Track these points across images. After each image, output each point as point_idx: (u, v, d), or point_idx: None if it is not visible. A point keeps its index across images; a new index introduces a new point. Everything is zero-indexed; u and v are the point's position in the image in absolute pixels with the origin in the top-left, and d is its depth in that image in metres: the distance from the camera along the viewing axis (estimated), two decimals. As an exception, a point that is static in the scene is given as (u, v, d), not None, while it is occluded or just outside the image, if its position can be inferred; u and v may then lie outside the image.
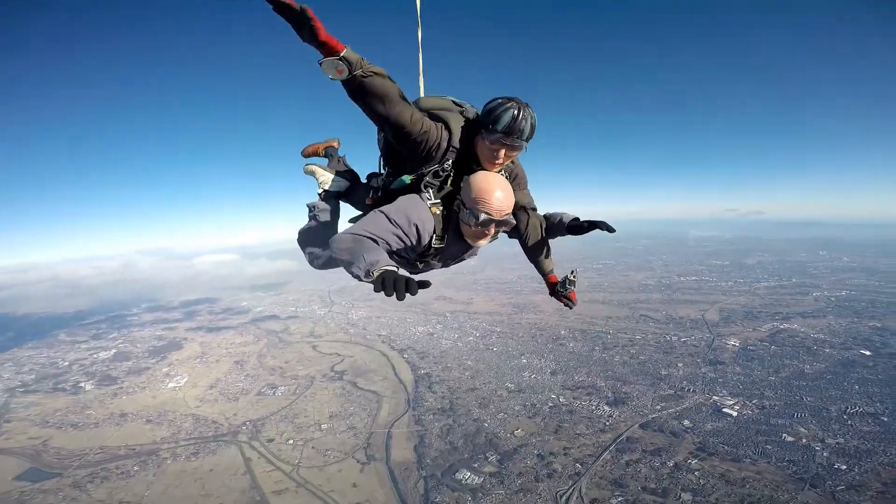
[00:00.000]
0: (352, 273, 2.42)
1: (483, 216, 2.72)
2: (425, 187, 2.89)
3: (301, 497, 33.54)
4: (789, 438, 35.61)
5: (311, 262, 3.92)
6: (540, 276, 3.61)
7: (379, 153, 3.38)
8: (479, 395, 47.14)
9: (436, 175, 2.88)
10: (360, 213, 3.76)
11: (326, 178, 4.03)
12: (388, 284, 2.06)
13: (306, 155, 4.32)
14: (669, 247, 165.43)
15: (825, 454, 33.25)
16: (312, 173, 4.13)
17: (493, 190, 2.74)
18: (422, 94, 3.30)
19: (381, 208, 2.79)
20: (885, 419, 37.22)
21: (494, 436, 39.20)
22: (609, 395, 45.64)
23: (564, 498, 31.13)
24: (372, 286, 2.19)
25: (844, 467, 31.56)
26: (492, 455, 36.49)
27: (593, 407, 43.41)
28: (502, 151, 2.79)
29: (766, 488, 29.99)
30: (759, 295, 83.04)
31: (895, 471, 30.60)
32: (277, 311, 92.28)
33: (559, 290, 3.46)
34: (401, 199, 2.87)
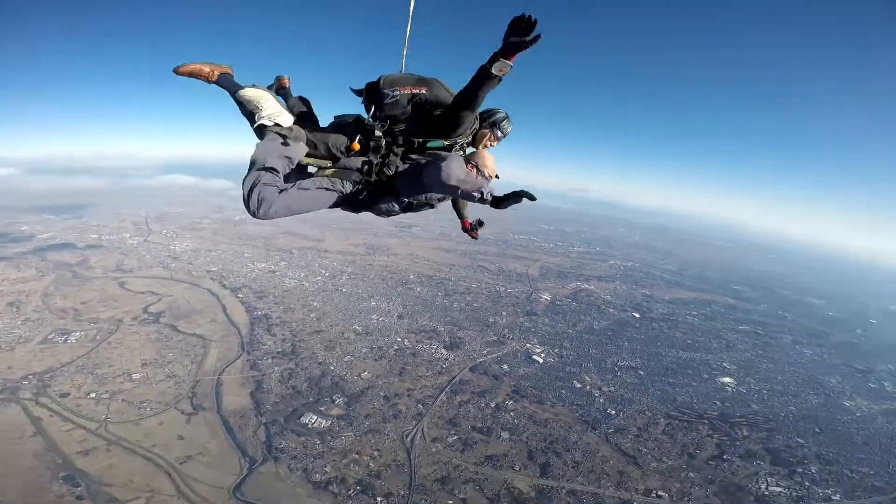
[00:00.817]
0: (472, 194, 3.60)
1: (489, 174, 4.07)
2: (453, 150, 3.93)
3: (116, 455, 29.36)
4: (578, 385, 44.72)
5: (259, 205, 3.24)
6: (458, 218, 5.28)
7: (384, 112, 3.73)
8: (324, 337, 46.84)
9: (460, 145, 4.01)
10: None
11: (277, 110, 3.64)
12: (518, 195, 3.61)
13: (184, 74, 3.61)
14: (514, 209, 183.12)
15: (601, 400, 42.69)
16: (255, 101, 3.61)
17: (493, 161, 4.15)
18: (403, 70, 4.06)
19: (455, 159, 3.70)
20: (642, 373, 49.32)
21: (341, 378, 39.92)
22: (447, 339, 50.37)
23: (410, 438, 33.90)
24: (490, 204, 3.66)
25: (614, 412, 40.93)
26: (339, 398, 37.25)
27: (433, 350, 47.52)
28: (495, 143, 4.28)
29: (561, 429, 37.30)
30: (570, 257, 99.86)
31: (645, 417, 40.64)
32: (73, 238, 74.01)
33: (473, 227, 5.15)
34: (454, 155, 3.79)
